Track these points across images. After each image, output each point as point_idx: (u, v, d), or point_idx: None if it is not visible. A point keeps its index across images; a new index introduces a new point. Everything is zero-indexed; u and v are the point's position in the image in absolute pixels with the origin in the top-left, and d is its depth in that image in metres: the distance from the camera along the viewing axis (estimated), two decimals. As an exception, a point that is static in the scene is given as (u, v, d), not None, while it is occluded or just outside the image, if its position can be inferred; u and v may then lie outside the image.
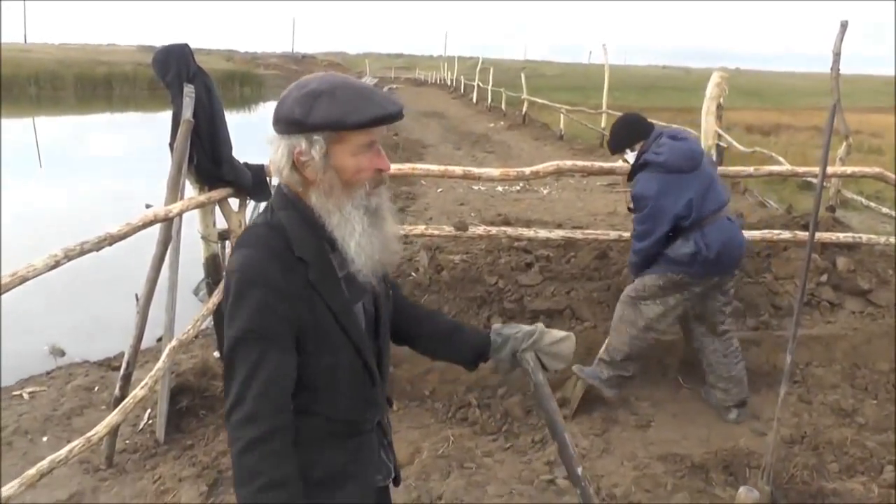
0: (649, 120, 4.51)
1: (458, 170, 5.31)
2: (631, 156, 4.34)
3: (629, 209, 4.47)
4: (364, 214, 1.69)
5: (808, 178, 9.72)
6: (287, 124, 1.65)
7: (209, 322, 5.17)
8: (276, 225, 1.70)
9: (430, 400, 4.87)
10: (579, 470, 2.00)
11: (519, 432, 4.45)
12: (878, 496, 3.64)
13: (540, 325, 2.05)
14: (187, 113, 4.16)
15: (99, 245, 3.26)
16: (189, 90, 4.17)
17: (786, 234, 5.82)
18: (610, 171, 5.92)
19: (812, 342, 5.26)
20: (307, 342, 1.69)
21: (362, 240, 1.68)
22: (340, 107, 1.61)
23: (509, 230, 5.54)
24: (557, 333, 2.03)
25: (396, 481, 2.12)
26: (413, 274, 5.62)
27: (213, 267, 4.81)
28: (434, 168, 5.44)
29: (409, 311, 2.09)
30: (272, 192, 1.86)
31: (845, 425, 4.49)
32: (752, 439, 4.29)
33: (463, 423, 4.63)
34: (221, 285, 4.72)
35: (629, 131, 4.37)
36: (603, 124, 18.49)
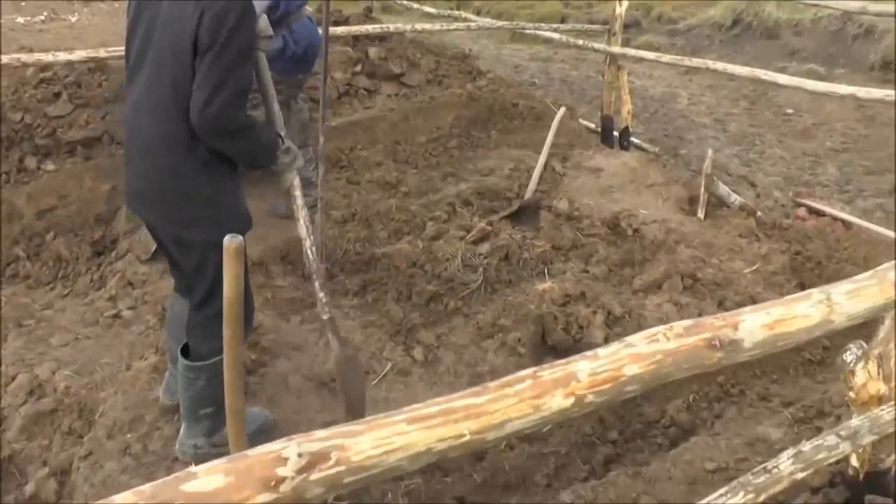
0: None
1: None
2: None
3: None
4: None
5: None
6: None
7: None
8: None
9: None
10: None
11: (76, 275, 4.20)
12: (422, 249, 4.13)
13: None
14: None
15: None
16: None
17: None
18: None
19: (354, 127, 5.59)
20: None
21: None
22: None
23: (24, 56, 4.87)
24: None
25: None
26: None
27: None
28: None
29: None
30: None
31: (391, 196, 4.92)
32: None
33: (14, 279, 4.23)
34: None
35: None
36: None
